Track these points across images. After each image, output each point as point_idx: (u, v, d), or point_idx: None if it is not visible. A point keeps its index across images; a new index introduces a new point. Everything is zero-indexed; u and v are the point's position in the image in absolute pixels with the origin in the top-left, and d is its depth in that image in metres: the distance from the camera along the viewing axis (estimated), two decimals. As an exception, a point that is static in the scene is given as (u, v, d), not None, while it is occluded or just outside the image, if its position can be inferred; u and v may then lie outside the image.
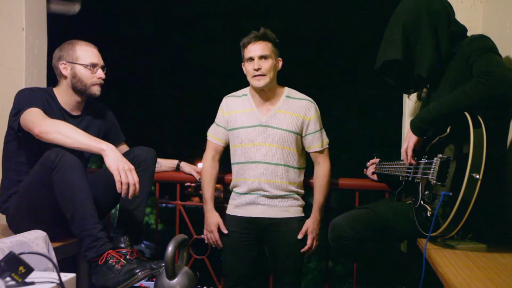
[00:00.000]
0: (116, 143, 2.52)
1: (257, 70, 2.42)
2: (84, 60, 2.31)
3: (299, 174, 2.55)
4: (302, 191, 2.56)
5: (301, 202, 2.55)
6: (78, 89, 2.33)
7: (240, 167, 2.54)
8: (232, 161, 2.59)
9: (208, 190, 2.58)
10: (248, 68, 2.47)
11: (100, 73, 2.34)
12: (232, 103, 2.59)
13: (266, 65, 2.43)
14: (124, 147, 2.61)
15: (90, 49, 2.35)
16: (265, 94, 2.51)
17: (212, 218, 2.55)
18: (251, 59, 2.44)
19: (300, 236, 2.48)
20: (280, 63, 2.52)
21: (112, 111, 2.60)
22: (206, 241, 2.65)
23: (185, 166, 2.78)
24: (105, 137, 2.49)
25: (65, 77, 2.33)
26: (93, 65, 2.32)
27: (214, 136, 2.62)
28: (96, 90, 2.34)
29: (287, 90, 2.57)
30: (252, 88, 2.54)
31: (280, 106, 2.52)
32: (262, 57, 2.43)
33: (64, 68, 2.33)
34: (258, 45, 2.44)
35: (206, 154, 2.63)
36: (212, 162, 2.60)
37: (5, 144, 2.34)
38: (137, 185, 2.05)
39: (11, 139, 2.30)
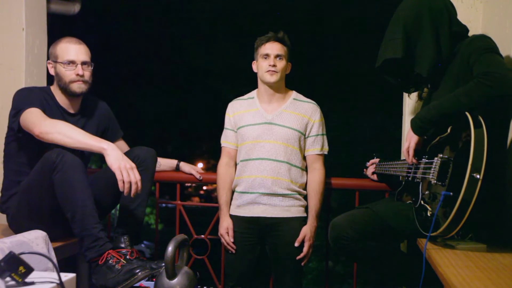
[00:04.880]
0: (114, 139, 2.52)
1: (273, 66, 2.49)
2: (62, 58, 2.30)
3: (301, 174, 2.55)
4: (304, 192, 2.56)
5: (303, 203, 2.55)
6: (62, 87, 2.32)
7: (243, 165, 2.56)
8: (237, 160, 2.62)
9: (223, 195, 2.59)
10: (262, 64, 2.52)
11: (78, 70, 2.29)
12: (237, 105, 2.65)
13: (280, 64, 2.52)
14: (122, 143, 2.60)
15: (69, 45, 2.31)
16: (273, 94, 2.56)
17: (224, 223, 2.56)
18: (267, 56, 2.51)
19: (297, 244, 2.47)
20: (289, 68, 2.58)
21: (111, 108, 2.59)
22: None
23: (185, 166, 2.79)
24: (104, 133, 2.50)
25: (53, 76, 2.35)
26: (70, 62, 2.29)
27: (225, 140, 2.66)
28: (76, 87, 2.31)
29: (294, 94, 2.63)
30: (260, 89, 2.59)
31: (286, 107, 2.57)
32: (277, 56, 2.51)
33: (51, 67, 2.35)
34: (276, 45, 2.52)
35: (220, 161, 2.65)
36: (226, 168, 2.61)
37: (6, 145, 2.34)
38: (139, 183, 2.05)
39: (11, 140, 2.30)
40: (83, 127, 2.37)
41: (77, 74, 2.29)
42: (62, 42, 2.33)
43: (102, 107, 2.54)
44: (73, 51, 2.30)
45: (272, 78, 2.50)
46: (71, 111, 2.38)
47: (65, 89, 2.32)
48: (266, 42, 2.52)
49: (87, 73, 2.33)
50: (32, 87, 2.48)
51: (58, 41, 2.35)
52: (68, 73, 2.29)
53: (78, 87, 2.31)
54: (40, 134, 2.08)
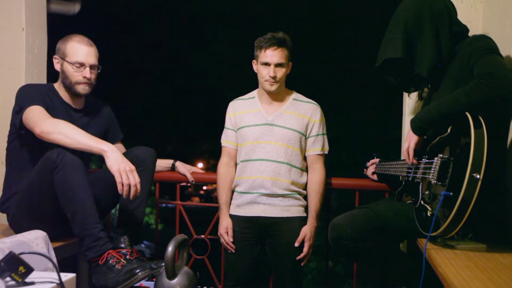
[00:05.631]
0: (114, 140, 2.53)
1: (273, 78, 2.46)
2: (71, 58, 2.30)
3: (301, 174, 2.55)
4: (304, 192, 2.56)
5: (303, 202, 2.55)
6: (66, 85, 2.33)
7: (243, 165, 2.56)
8: (237, 160, 2.61)
9: (223, 195, 2.59)
10: (262, 72, 2.49)
11: (86, 73, 2.30)
12: (238, 105, 2.64)
13: (281, 73, 2.48)
14: (120, 146, 2.61)
15: (80, 46, 2.31)
16: (273, 96, 2.56)
17: (223, 223, 2.56)
18: (267, 64, 2.46)
19: (297, 244, 2.47)
20: (290, 67, 2.55)
21: (111, 108, 2.60)
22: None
23: (180, 167, 2.78)
24: (106, 133, 2.50)
25: (58, 72, 2.35)
26: (79, 64, 2.29)
27: (226, 140, 2.65)
28: (81, 89, 2.32)
29: (294, 94, 2.62)
30: (261, 89, 2.58)
31: (287, 107, 2.56)
32: (278, 65, 2.46)
33: (57, 63, 2.35)
34: (276, 52, 2.45)
35: (221, 160, 2.64)
36: (226, 168, 2.61)
37: (9, 143, 2.35)
38: (138, 186, 2.05)
39: (14, 138, 2.31)
40: (88, 124, 2.39)
41: (84, 77, 2.30)
42: (73, 41, 2.32)
43: (105, 108, 2.56)
44: (84, 53, 2.30)
45: (272, 88, 2.49)
46: (76, 107, 2.39)
47: (69, 88, 2.33)
48: (266, 48, 2.45)
49: (93, 76, 2.34)
50: (36, 84, 2.47)
51: (68, 38, 2.33)
52: (76, 74, 2.30)
53: (82, 88, 2.33)
54: (41, 133, 2.09)
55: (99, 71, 2.37)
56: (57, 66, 2.35)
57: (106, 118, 2.54)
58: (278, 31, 2.49)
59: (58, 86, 2.38)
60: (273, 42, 2.45)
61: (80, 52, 2.30)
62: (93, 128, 2.40)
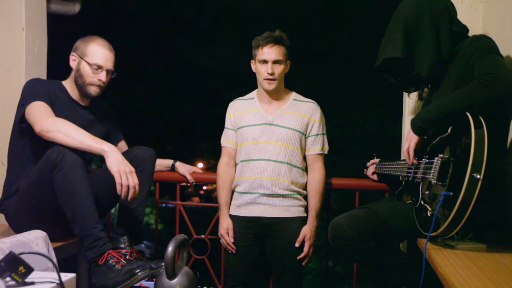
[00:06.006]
0: (117, 141, 2.54)
1: (271, 74, 2.46)
2: (91, 59, 2.31)
3: (302, 174, 2.55)
4: (305, 192, 2.56)
5: (303, 202, 2.55)
6: (78, 83, 2.34)
7: (243, 165, 2.55)
8: (237, 160, 2.61)
9: (223, 195, 2.58)
10: (260, 70, 2.49)
11: (102, 76, 2.32)
12: (238, 105, 2.64)
13: (279, 70, 2.48)
14: (123, 143, 2.62)
15: (101, 50, 2.33)
16: (273, 95, 2.56)
17: (224, 223, 2.56)
18: (265, 61, 2.47)
19: (297, 244, 2.47)
20: (289, 66, 2.56)
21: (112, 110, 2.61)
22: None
23: (180, 167, 2.78)
24: (109, 132, 2.51)
25: (72, 69, 2.36)
26: (97, 67, 2.31)
27: (225, 140, 2.65)
28: (92, 90, 2.34)
29: (294, 94, 2.62)
30: (260, 89, 2.58)
31: (287, 107, 2.56)
32: (276, 62, 2.47)
33: (73, 60, 2.36)
34: (273, 49, 2.46)
35: (221, 160, 2.64)
36: (226, 168, 2.61)
37: (11, 138, 2.35)
38: (137, 188, 2.05)
39: (16, 133, 2.31)
40: (94, 122, 2.40)
41: (99, 79, 2.32)
42: (95, 44, 2.33)
43: (109, 109, 2.58)
44: (104, 57, 2.33)
45: (271, 87, 2.49)
46: (82, 104, 2.40)
47: (81, 88, 2.34)
48: (264, 46, 2.46)
49: (107, 81, 2.36)
50: (44, 79, 2.48)
51: (91, 39, 2.35)
52: (91, 75, 2.31)
53: (94, 90, 2.34)
54: (41, 131, 2.09)
55: (112, 77, 2.38)
56: (72, 64, 2.36)
57: (110, 118, 2.55)
58: (275, 30, 2.49)
59: (67, 83, 2.38)
60: (270, 40, 2.46)
61: (100, 55, 2.32)
62: (98, 126, 2.41)
